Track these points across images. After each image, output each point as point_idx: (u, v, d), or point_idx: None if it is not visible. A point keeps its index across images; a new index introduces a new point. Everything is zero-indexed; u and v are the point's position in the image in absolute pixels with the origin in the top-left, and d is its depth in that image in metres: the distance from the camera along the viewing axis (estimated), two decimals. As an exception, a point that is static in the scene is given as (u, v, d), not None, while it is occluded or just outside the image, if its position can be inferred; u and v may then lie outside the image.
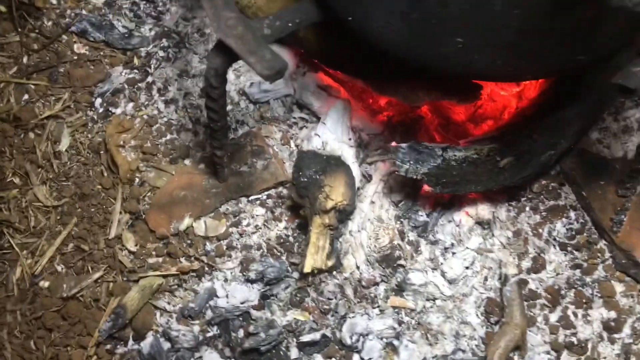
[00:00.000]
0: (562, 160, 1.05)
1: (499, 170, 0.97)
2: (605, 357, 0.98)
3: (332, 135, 1.03)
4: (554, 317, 1.00)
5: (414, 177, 0.94)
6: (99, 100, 1.16)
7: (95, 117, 1.15)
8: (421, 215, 1.04)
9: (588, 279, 1.02)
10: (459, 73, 0.82)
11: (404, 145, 0.94)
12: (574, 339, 0.98)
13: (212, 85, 0.79)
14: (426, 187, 0.96)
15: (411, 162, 0.94)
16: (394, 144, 0.95)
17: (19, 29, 1.22)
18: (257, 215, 1.06)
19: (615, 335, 0.99)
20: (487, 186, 0.98)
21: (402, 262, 1.01)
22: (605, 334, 0.99)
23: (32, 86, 1.17)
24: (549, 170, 1.05)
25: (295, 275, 1.02)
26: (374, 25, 0.73)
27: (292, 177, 1.00)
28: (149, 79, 1.18)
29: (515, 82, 1.00)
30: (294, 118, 1.13)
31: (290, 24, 0.79)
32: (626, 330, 0.99)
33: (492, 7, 0.61)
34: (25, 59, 1.20)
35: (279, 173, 1.07)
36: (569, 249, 1.04)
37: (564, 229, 1.05)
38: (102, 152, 1.11)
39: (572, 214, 1.06)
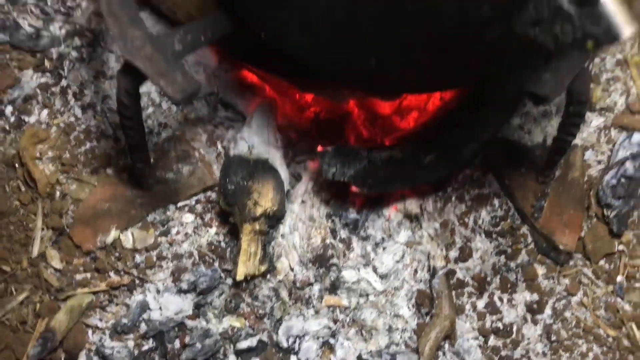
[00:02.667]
0: (484, 150, 1.07)
1: (424, 167, 0.99)
2: (529, 338, 1.03)
3: (258, 138, 1.01)
4: (481, 304, 1.04)
5: (341, 179, 0.95)
6: (9, 108, 1.10)
7: (7, 127, 1.08)
8: (352, 213, 1.05)
9: (512, 264, 1.06)
10: (373, 87, 0.81)
11: (329, 149, 0.94)
12: (499, 324, 1.03)
13: (124, 104, 0.76)
14: (354, 188, 0.96)
15: (338, 166, 0.94)
16: (320, 148, 0.95)
17: None
18: (186, 223, 1.04)
19: (538, 317, 1.04)
20: (414, 183, 0.99)
21: (334, 260, 1.02)
22: (528, 316, 1.04)
23: None
24: (473, 161, 1.08)
25: (229, 281, 1.02)
26: (288, 42, 0.71)
27: (219, 185, 0.98)
28: (63, 82, 1.12)
29: (429, 93, 1.01)
30: (219, 118, 1.10)
31: (202, 38, 0.76)
32: (547, 311, 1.05)
33: (403, 28, 0.60)
34: None
35: (206, 177, 1.05)
36: (494, 235, 1.08)
37: (488, 216, 1.09)
38: (17, 165, 1.05)
39: (495, 202, 1.09)
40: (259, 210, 0.95)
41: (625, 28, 0.46)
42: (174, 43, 0.74)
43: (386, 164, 0.96)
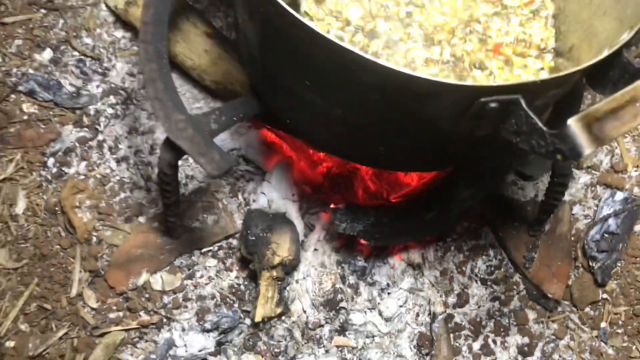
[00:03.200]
0: (481, 204, 1.18)
1: (426, 222, 1.10)
2: (519, 379, 1.13)
3: (277, 193, 1.12)
4: (476, 346, 1.14)
5: (351, 233, 1.06)
6: (51, 160, 1.21)
7: (49, 177, 1.20)
8: (360, 260, 1.15)
9: (505, 310, 1.17)
10: (379, 165, 0.93)
11: (341, 206, 1.05)
12: (493, 366, 1.13)
13: (166, 174, 0.87)
14: (362, 241, 1.08)
15: (348, 221, 1.05)
16: (332, 205, 1.06)
17: (-34, 90, 1.25)
18: (209, 267, 1.15)
19: (528, 358, 1.14)
20: (416, 237, 1.11)
21: (343, 304, 1.13)
22: (520, 358, 1.14)
23: (-16, 148, 1.21)
24: (469, 214, 1.19)
25: (248, 321, 1.12)
26: (309, 134, 0.83)
27: (241, 235, 1.10)
28: (100, 137, 1.24)
29: (428, 172, 1.12)
30: (241, 171, 1.22)
31: (234, 118, 0.87)
32: (537, 353, 1.15)
33: (409, 129, 0.72)
34: (-26, 121, 1.23)
35: (228, 227, 1.16)
36: (489, 283, 1.18)
37: (484, 265, 1.19)
38: (58, 213, 1.17)
39: (491, 252, 1.20)
40: (276, 260, 1.06)
41: (586, 148, 0.57)
42: (210, 123, 0.86)
43: (391, 220, 1.07)
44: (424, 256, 1.18)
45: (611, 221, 1.17)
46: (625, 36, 0.67)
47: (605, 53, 0.67)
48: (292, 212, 1.13)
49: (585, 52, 0.86)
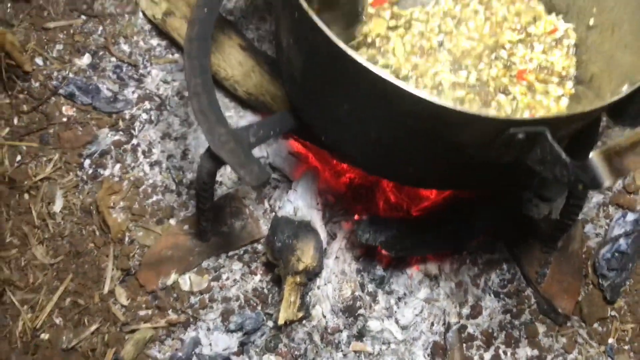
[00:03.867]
0: (496, 222, 1.23)
1: (446, 236, 1.15)
2: (528, 390, 1.18)
3: (302, 202, 1.18)
4: (487, 356, 1.19)
5: (374, 244, 1.11)
6: (87, 162, 1.27)
7: (85, 177, 1.26)
8: (379, 269, 1.21)
9: (516, 322, 1.22)
10: (408, 183, 0.99)
11: (365, 217, 1.10)
12: (503, 376, 1.18)
13: (204, 182, 0.93)
14: (383, 252, 1.13)
15: (371, 232, 1.10)
16: (357, 217, 1.11)
17: (9, 91, 1.31)
18: (235, 270, 1.21)
19: (537, 370, 1.19)
20: (435, 250, 1.16)
21: (362, 311, 1.18)
22: (529, 369, 1.19)
23: (24, 147, 1.27)
24: (486, 230, 1.24)
25: (270, 324, 1.18)
26: (344, 150, 0.89)
27: (268, 241, 1.15)
28: (134, 141, 1.30)
29: (451, 191, 1.17)
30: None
31: (272, 132, 0.93)
32: (546, 365, 1.19)
33: (438, 154, 0.77)
34: (16, 121, 1.29)
35: (255, 232, 1.22)
36: (502, 296, 1.23)
37: (497, 279, 1.24)
38: (93, 212, 1.23)
39: (505, 267, 1.25)
40: (301, 266, 1.11)
41: (606, 180, 0.62)
42: (249, 136, 0.91)
43: (412, 232, 1.12)
44: (441, 268, 1.23)
45: (622, 241, 1.22)
46: (645, 74, 0.72)
47: (626, 90, 0.72)
48: (316, 220, 1.18)
49: (606, 82, 0.91)
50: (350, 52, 0.64)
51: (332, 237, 1.23)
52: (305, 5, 0.66)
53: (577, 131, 0.79)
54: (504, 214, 1.18)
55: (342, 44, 0.64)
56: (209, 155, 0.90)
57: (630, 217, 1.25)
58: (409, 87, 0.63)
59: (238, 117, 1.32)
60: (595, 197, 1.31)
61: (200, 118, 0.88)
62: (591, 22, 0.96)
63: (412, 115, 0.67)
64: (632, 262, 1.22)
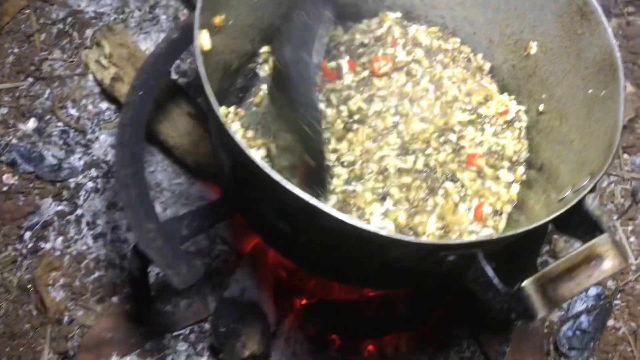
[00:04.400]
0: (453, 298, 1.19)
1: (400, 319, 1.10)
2: None
3: (250, 281, 1.12)
4: None
5: (325, 333, 1.05)
6: (28, 234, 1.21)
7: (25, 252, 1.20)
8: (332, 350, 1.15)
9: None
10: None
11: (315, 301, 1.05)
12: None
13: (135, 276, 0.88)
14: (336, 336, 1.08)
15: (322, 317, 1.05)
16: (304, 302, 1.06)
17: (-53, 158, 1.25)
18: (180, 351, 1.15)
19: None
20: (390, 332, 1.11)
21: (313, 395, 1.12)
22: None
23: (-39, 219, 1.21)
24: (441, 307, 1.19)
25: (217, 409, 1.11)
26: (275, 243, 0.84)
27: (212, 325, 1.09)
28: (78, 211, 1.24)
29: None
30: (217, 251, 1.22)
31: (207, 222, 0.88)
32: None
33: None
34: (-47, 190, 1.23)
35: (201, 311, 1.16)
36: (461, 375, 1.18)
37: (457, 357, 1.19)
38: (31, 290, 1.16)
39: (464, 343, 1.20)
40: (246, 353, 1.05)
41: (539, 312, 0.58)
42: (182, 229, 0.86)
43: (365, 315, 1.07)
44: (397, 347, 1.17)
45: (583, 318, 1.18)
46: (586, 183, 0.68)
47: (569, 196, 0.68)
48: (265, 299, 1.12)
49: (556, 172, 0.87)
50: (268, 169, 0.60)
51: (283, 315, 1.17)
52: (224, 119, 0.62)
53: (518, 247, 0.74)
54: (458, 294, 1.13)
55: (255, 158, 0.60)
56: (138, 252, 0.84)
57: (593, 291, 1.21)
58: (330, 210, 0.58)
59: (189, 185, 1.27)
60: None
61: (129, 212, 0.83)
62: (541, 107, 0.93)
63: (336, 233, 0.63)
64: (593, 340, 1.17)
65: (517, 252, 0.79)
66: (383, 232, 0.58)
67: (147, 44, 1.40)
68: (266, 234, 0.86)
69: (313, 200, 0.58)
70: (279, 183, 0.59)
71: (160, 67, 0.95)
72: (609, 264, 0.59)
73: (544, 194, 0.82)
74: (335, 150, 0.94)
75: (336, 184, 0.88)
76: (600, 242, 0.60)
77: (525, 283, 0.58)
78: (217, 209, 0.90)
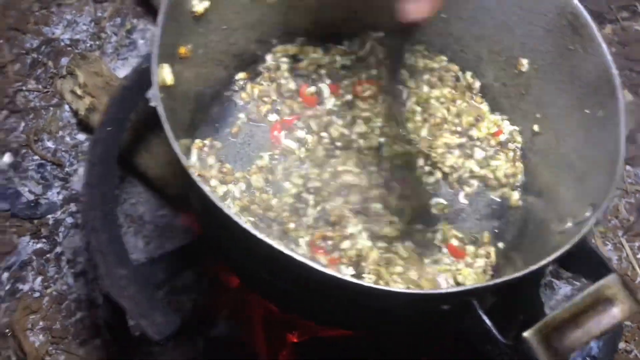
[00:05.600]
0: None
1: (399, 351, 1.04)
2: None
3: (239, 319, 1.07)
4: None
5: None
6: (5, 275, 1.16)
7: (2, 294, 1.14)
8: (327, 386, 1.09)
9: None
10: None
11: (303, 339, 1.00)
12: None
13: (111, 324, 0.82)
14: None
15: (312, 354, 0.99)
16: (295, 339, 1.00)
17: None
18: (168, 395, 1.09)
19: None
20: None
21: None
22: None
23: None
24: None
25: None
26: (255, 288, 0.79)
27: (200, 366, 1.04)
28: (58, 249, 1.18)
29: None
30: (205, 285, 1.16)
31: (185, 264, 0.83)
32: None
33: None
34: None
35: (190, 351, 1.10)
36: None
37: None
38: (9, 335, 1.11)
39: (466, 373, 1.14)
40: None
41: (535, 371, 0.52)
42: (157, 273, 0.81)
43: (359, 351, 1.01)
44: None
45: (593, 344, 1.11)
46: (589, 215, 0.63)
47: (569, 229, 0.63)
48: (256, 336, 1.07)
49: (556, 197, 0.81)
50: (227, 211, 0.55)
51: (274, 354, 1.11)
52: (185, 162, 0.57)
53: (516, 293, 0.68)
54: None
55: (217, 201, 0.54)
56: (109, 301, 0.79)
57: (600, 313, 1.15)
58: (297, 255, 0.52)
59: (172, 217, 1.22)
60: (563, 289, 1.21)
61: (98, 258, 0.78)
62: (536, 127, 0.87)
63: (316, 283, 0.57)
64: (604, 366, 1.11)
65: (515, 290, 0.73)
66: (367, 283, 0.53)
67: (125, 70, 1.35)
68: (244, 277, 0.80)
69: (279, 245, 0.53)
70: (248, 231, 0.54)
71: (131, 100, 0.89)
72: (619, 309, 0.53)
73: (543, 224, 0.76)
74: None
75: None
76: (609, 284, 0.54)
77: (527, 334, 0.52)
78: (197, 248, 0.84)
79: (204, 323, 1.13)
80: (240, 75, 0.96)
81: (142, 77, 0.91)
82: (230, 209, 0.58)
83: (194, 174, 0.57)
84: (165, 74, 0.69)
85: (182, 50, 0.74)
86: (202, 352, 1.05)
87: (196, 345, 1.10)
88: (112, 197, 0.82)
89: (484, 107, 0.95)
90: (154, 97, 0.60)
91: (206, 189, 0.55)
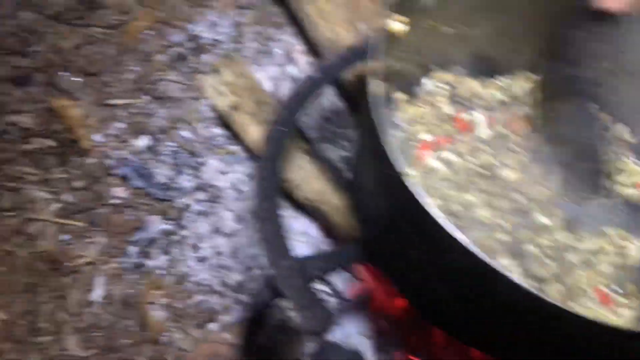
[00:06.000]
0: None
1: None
2: None
3: (354, 328, 1.10)
4: None
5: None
6: (133, 249, 1.23)
7: (129, 266, 1.21)
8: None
9: None
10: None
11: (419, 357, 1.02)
12: None
13: (258, 310, 0.87)
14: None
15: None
16: (410, 357, 1.03)
17: (64, 167, 1.28)
18: (273, 387, 1.13)
19: None
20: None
21: None
22: None
23: (71, 226, 1.23)
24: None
25: None
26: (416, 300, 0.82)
27: (312, 366, 1.07)
28: (183, 232, 1.25)
29: None
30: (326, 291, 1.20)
31: (339, 265, 0.87)
32: None
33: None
34: (66, 197, 1.26)
35: (296, 350, 1.14)
36: None
37: None
38: (133, 306, 1.17)
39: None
40: (345, 400, 1.02)
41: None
42: (314, 269, 0.85)
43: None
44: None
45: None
46: None
47: None
48: (367, 349, 1.10)
49: None
50: (442, 222, 0.58)
51: (381, 366, 1.14)
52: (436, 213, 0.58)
53: None
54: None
55: (435, 213, 0.57)
56: (271, 285, 0.84)
57: None
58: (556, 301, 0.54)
59: (292, 218, 1.27)
60: None
61: (265, 246, 0.83)
62: None
63: (525, 308, 0.59)
64: None
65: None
66: (580, 311, 0.55)
67: (260, 76, 1.41)
68: (409, 291, 0.84)
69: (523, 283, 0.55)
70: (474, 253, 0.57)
71: (296, 109, 0.95)
72: None
73: None
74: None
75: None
76: None
77: None
78: (352, 252, 0.89)
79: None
80: (398, 95, 1.00)
81: (301, 97, 0.96)
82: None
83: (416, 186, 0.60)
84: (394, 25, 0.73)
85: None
86: (316, 354, 1.09)
87: (302, 346, 1.14)
88: (278, 190, 0.87)
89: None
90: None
91: (439, 214, 0.57)
